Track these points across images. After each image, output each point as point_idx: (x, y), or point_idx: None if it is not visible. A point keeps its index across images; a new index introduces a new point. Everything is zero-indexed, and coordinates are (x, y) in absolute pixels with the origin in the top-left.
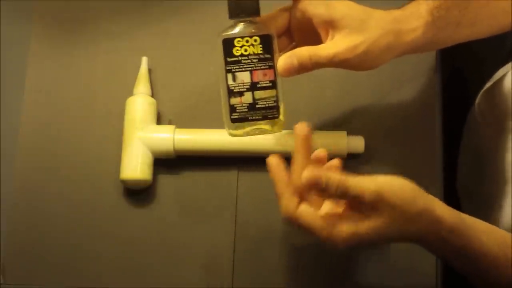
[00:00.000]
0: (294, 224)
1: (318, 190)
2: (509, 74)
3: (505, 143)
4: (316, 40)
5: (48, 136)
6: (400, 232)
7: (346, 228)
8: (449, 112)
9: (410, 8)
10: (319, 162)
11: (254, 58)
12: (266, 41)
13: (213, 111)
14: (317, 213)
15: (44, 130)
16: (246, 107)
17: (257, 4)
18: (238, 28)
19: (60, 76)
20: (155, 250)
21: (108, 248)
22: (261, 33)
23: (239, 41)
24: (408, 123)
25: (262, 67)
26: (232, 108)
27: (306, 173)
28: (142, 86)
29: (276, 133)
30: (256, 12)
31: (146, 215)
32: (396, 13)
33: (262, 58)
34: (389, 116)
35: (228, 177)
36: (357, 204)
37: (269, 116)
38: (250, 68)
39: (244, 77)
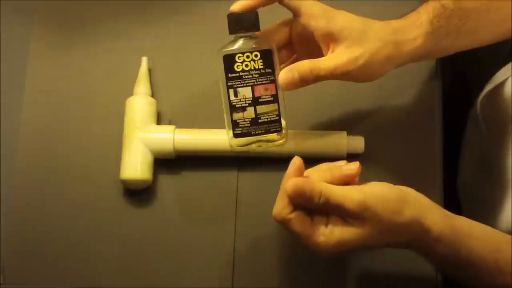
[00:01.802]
0: (283, 227)
1: (303, 199)
2: (511, 77)
3: (507, 146)
4: (317, 53)
5: (48, 136)
6: (386, 242)
7: (330, 235)
8: (450, 112)
9: (410, 18)
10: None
11: (255, 73)
12: (267, 56)
13: (213, 111)
14: (306, 222)
15: (44, 130)
16: (248, 122)
17: (257, 19)
18: (238, 44)
19: (60, 76)
20: (155, 250)
21: (108, 248)
22: (261, 48)
23: (239, 56)
24: (408, 123)
25: (264, 82)
26: (235, 124)
27: (291, 183)
28: (142, 86)
29: None
30: (255, 27)
31: (146, 215)
32: (395, 24)
33: (263, 73)
34: (389, 116)
35: (228, 177)
36: (342, 214)
37: (271, 130)
38: (252, 83)
39: (245, 92)
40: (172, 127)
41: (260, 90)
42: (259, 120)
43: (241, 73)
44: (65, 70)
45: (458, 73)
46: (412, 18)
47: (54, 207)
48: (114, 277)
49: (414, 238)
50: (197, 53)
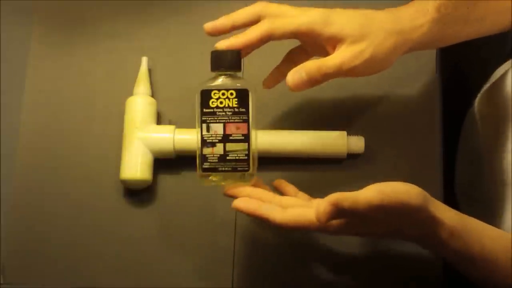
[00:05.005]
0: (289, 229)
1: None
2: (509, 75)
3: (504, 145)
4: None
5: (48, 136)
6: (399, 233)
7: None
8: (450, 112)
9: (415, 5)
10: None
11: (228, 111)
12: (242, 96)
13: None
14: (305, 210)
15: (44, 130)
16: (217, 158)
17: (239, 58)
18: (218, 81)
19: (60, 76)
20: (155, 250)
21: (108, 248)
22: (237, 87)
23: (215, 93)
24: (408, 123)
25: (236, 121)
26: (204, 158)
27: (326, 204)
28: (142, 86)
29: (277, 133)
30: (236, 66)
31: (146, 215)
32: (398, 12)
33: (237, 112)
34: (389, 116)
35: None
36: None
37: (238, 169)
38: (224, 121)
39: (217, 128)
40: (172, 127)
41: (231, 128)
42: (227, 157)
43: (215, 109)
44: (65, 70)
45: (458, 73)
46: (418, 5)
47: (54, 207)
48: (114, 277)
49: (426, 231)
50: (197, 53)
